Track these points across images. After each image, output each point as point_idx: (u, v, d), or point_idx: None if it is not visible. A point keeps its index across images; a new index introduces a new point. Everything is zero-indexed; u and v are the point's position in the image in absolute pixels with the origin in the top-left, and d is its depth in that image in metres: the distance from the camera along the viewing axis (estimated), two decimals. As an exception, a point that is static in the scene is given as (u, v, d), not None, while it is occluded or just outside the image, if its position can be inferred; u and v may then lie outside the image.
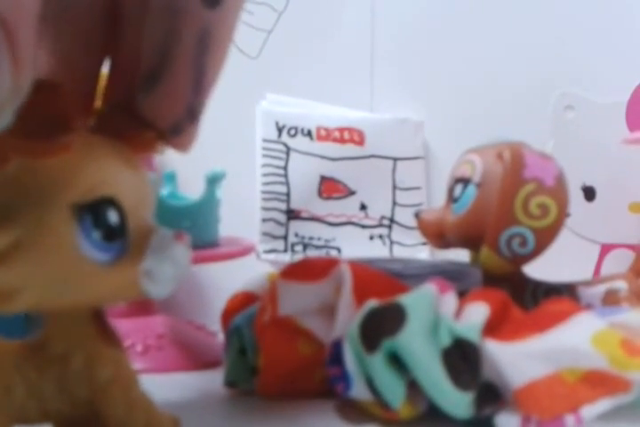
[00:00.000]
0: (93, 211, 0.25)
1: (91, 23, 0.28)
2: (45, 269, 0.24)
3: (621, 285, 0.42)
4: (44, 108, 0.24)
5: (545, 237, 0.40)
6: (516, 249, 0.39)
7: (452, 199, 0.42)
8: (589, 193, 0.61)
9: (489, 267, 0.40)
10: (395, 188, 0.66)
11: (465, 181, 0.41)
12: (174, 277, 0.27)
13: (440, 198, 0.44)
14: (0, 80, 0.19)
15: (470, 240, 0.41)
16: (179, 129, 0.28)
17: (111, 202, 0.26)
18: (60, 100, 0.24)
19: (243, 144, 0.65)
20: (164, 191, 0.52)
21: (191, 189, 0.52)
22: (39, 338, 0.27)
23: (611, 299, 0.42)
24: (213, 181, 0.50)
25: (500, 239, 0.39)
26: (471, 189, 0.41)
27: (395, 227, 0.66)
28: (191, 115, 0.28)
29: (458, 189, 0.42)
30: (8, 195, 0.24)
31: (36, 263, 0.24)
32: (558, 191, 0.40)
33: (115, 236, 0.26)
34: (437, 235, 0.43)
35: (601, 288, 0.42)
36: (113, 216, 0.26)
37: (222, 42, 0.28)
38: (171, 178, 0.53)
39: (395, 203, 0.66)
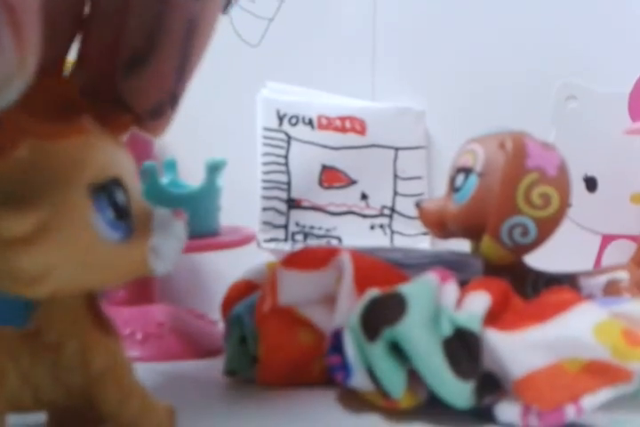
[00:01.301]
0: (106, 191, 0.26)
1: (56, 6, 0.27)
2: (70, 251, 0.25)
3: (623, 275, 0.42)
4: (55, 92, 0.24)
5: (547, 227, 0.40)
6: (517, 239, 0.39)
7: (453, 189, 0.42)
8: (591, 184, 0.61)
9: (490, 257, 0.40)
10: (396, 177, 0.66)
11: (467, 171, 0.41)
12: (176, 252, 0.28)
13: (441, 188, 0.44)
14: (4, 57, 0.19)
15: (471, 230, 0.41)
16: (159, 112, 0.29)
17: (118, 182, 0.26)
18: (68, 84, 0.25)
19: (244, 132, 0.65)
20: (165, 179, 0.52)
21: (192, 177, 0.52)
22: (34, 326, 0.27)
23: (612, 289, 0.42)
24: (214, 169, 0.50)
25: (501, 229, 0.39)
26: (473, 179, 0.41)
27: (395, 216, 0.66)
28: (173, 99, 0.29)
29: (459, 178, 0.41)
30: (25, 178, 0.24)
31: (62, 245, 0.24)
32: (560, 181, 0.40)
33: (123, 215, 0.27)
34: (438, 224, 0.43)
35: (602, 279, 0.42)
36: (121, 196, 0.26)
37: (207, 31, 0.28)
38: (171, 166, 0.53)
39: (396, 192, 0.66)
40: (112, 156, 0.27)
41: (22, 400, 0.27)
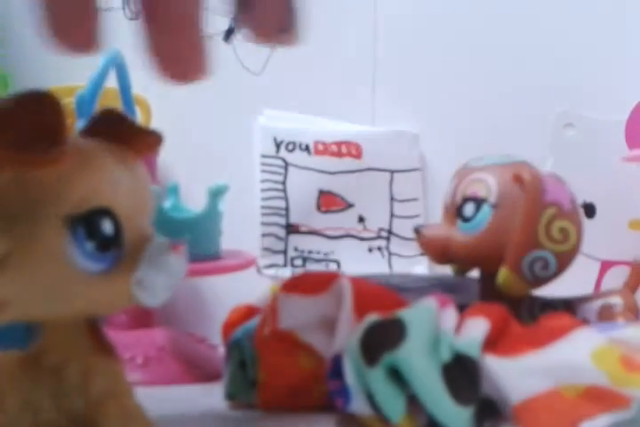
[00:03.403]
0: (87, 222, 0.25)
1: None
2: (36, 281, 0.24)
3: (616, 300, 0.42)
4: (35, 120, 0.23)
5: (565, 261, 0.40)
6: (537, 272, 0.39)
7: (455, 216, 0.42)
8: (589, 210, 0.61)
9: (508, 288, 0.40)
10: (392, 199, 0.67)
11: (478, 201, 0.41)
12: (167, 287, 0.27)
13: (437, 210, 0.44)
14: None
15: (484, 261, 0.41)
16: (288, 28, 0.27)
17: (106, 212, 0.26)
18: (50, 110, 0.24)
19: (249, 158, 0.66)
20: (167, 204, 0.52)
21: (194, 202, 0.53)
22: (35, 349, 0.27)
23: (606, 314, 0.42)
24: (216, 194, 0.50)
25: (522, 263, 0.39)
26: (486, 210, 0.40)
27: (393, 238, 0.66)
28: (293, 11, 0.27)
29: (469, 208, 0.41)
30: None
31: (26, 275, 0.24)
32: (575, 215, 0.40)
33: (109, 245, 0.26)
34: (441, 252, 0.43)
35: (597, 303, 0.43)
36: (107, 226, 0.26)
37: None
38: (173, 190, 0.54)
39: (392, 215, 0.66)
40: (103, 183, 0.26)
41: (22, 424, 0.27)
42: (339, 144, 0.65)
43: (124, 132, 0.28)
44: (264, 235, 0.63)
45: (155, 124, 0.61)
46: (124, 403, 0.29)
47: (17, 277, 0.24)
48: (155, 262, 0.26)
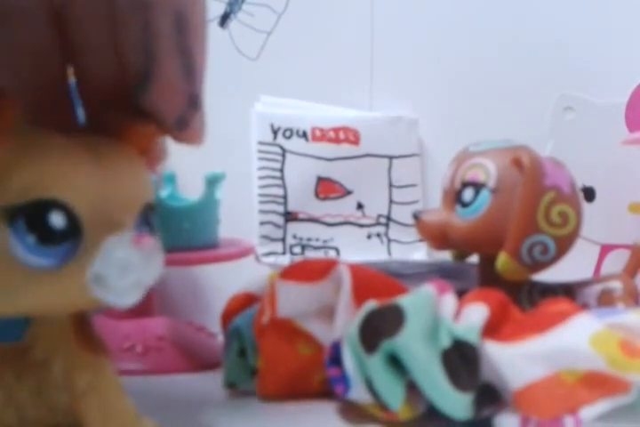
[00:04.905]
0: (28, 214, 0.23)
1: (37, 30, 0.27)
2: None
3: (616, 285, 0.42)
4: None
5: (565, 245, 0.40)
6: (537, 257, 0.39)
7: (458, 202, 0.42)
8: (589, 194, 0.61)
9: (506, 273, 0.40)
10: (391, 186, 0.66)
11: (477, 186, 0.41)
12: (135, 286, 0.25)
13: (436, 195, 0.44)
14: None
15: (483, 245, 0.41)
16: (184, 121, 0.27)
17: (53, 203, 0.24)
18: None
19: (243, 146, 0.65)
20: (164, 192, 0.52)
21: (191, 191, 0.52)
22: (18, 344, 0.26)
23: (606, 299, 0.42)
24: (213, 182, 0.50)
25: (521, 247, 0.39)
26: (485, 195, 0.40)
27: (392, 225, 0.66)
28: (193, 104, 0.27)
29: (468, 193, 0.41)
30: None
31: None
32: (574, 199, 0.40)
33: (58, 239, 0.24)
34: (440, 238, 0.42)
35: (596, 288, 0.43)
36: (56, 219, 0.24)
37: (198, 22, 0.27)
38: (170, 179, 0.53)
39: (391, 201, 0.66)
40: (51, 174, 0.24)
41: (6, 420, 0.27)
42: (336, 130, 0.65)
43: (117, 126, 0.27)
44: (262, 223, 0.63)
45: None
46: (108, 398, 0.28)
47: None
48: (113, 259, 0.24)
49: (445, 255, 0.47)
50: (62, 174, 0.24)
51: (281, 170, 0.64)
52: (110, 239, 0.24)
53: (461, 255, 0.46)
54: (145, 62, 0.26)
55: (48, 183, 0.24)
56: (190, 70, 0.27)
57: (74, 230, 0.24)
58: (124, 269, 0.24)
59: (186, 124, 0.27)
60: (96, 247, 0.24)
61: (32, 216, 0.24)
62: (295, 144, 0.64)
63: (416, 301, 0.34)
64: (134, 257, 0.24)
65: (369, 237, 0.66)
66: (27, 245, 0.23)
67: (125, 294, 0.25)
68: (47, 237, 0.24)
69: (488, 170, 0.40)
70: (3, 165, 0.23)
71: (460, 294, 0.36)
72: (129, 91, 0.27)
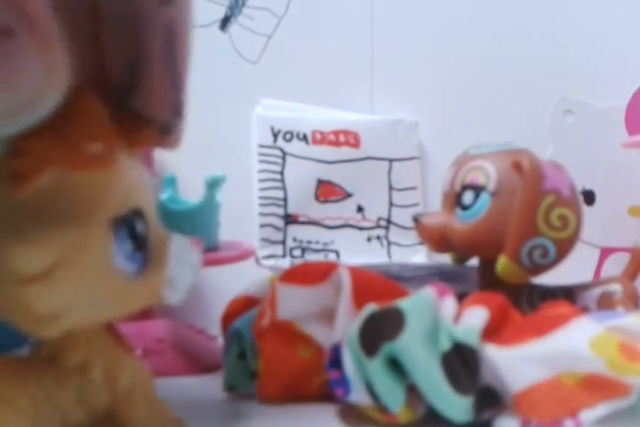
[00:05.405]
0: (126, 222, 0.25)
1: (80, 24, 0.27)
2: (86, 288, 0.23)
3: (616, 288, 0.42)
4: (86, 116, 0.23)
5: (565, 248, 0.40)
6: (537, 260, 0.39)
7: (458, 205, 0.42)
8: (589, 197, 0.61)
9: (506, 276, 0.40)
10: (391, 189, 0.66)
11: (477, 189, 0.41)
12: (189, 283, 0.27)
13: (436, 198, 0.44)
14: (30, 70, 0.19)
15: (482, 248, 0.41)
16: (168, 128, 0.28)
17: (139, 212, 0.25)
18: (99, 107, 0.23)
19: (243, 149, 0.65)
20: (164, 195, 0.52)
21: (191, 194, 0.52)
22: (54, 350, 0.27)
23: (605, 302, 0.42)
24: (213, 185, 0.50)
25: (521, 250, 0.39)
26: (485, 198, 0.40)
27: (392, 228, 0.66)
28: (177, 112, 0.28)
29: (468, 196, 0.41)
30: (43, 210, 0.22)
31: (77, 283, 0.23)
32: (574, 202, 0.40)
33: (141, 245, 0.25)
34: (440, 241, 0.42)
35: (596, 291, 0.43)
36: (141, 226, 0.25)
37: (186, 35, 0.28)
38: (171, 182, 0.53)
39: (391, 204, 0.66)
40: (134, 184, 0.25)
41: (50, 424, 0.27)
42: (337, 133, 0.65)
43: (119, 127, 0.27)
44: (262, 225, 0.63)
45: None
46: (149, 393, 0.29)
47: (70, 286, 0.23)
48: (180, 260, 0.26)
49: (445, 258, 0.47)
50: (138, 185, 0.26)
51: (281, 173, 0.64)
52: (176, 244, 0.26)
53: (461, 258, 0.46)
54: (133, 73, 0.27)
55: (136, 193, 0.25)
56: (177, 82, 0.28)
57: (148, 238, 0.26)
58: (190, 269, 0.26)
59: (169, 130, 0.28)
60: (162, 252, 0.26)
61: (129, 225, 0.25)
62: (295, 147, 0.64)
63: (416, 304, 0.34)
64: (195, 258, 0.27)
65: (369, 239, 0.66)
66: (125, 252, 0.25)
67: (184, 291, 0.27)
68: (138, 242, 0.25)
69: (488, 173, 0.40)
70: (108, 178, 0.24)
71: (460, 297, 0.36)
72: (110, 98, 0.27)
